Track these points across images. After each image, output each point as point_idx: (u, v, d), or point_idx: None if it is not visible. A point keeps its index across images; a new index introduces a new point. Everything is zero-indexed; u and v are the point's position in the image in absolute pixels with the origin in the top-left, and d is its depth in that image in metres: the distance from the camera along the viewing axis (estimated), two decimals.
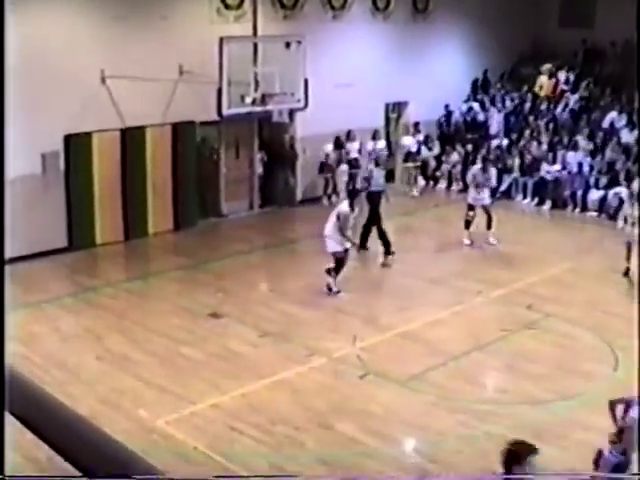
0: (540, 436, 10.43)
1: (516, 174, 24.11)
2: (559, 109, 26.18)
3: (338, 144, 22.85)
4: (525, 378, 12.07)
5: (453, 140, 25.77)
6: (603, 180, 22.75)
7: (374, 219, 18.16)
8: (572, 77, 27.01)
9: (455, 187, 24.68)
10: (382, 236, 17.93)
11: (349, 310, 14.98)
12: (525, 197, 23.80)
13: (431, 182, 24.98)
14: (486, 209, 19.15)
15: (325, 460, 10.03)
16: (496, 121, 26.31)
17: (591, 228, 21.11)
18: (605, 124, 24.91)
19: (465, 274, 17.01)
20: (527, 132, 25.41)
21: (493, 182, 20.19)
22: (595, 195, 22.55)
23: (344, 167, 22.95)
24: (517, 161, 24.41)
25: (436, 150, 25.30)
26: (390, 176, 24.93)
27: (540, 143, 24.69)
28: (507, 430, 10.58)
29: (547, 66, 26.90)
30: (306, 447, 10.36)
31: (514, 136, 25.59)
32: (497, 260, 18.02)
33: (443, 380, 12.24)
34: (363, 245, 18.10)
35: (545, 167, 23.63)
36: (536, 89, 26.96)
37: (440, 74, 25.48)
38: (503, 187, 23.96)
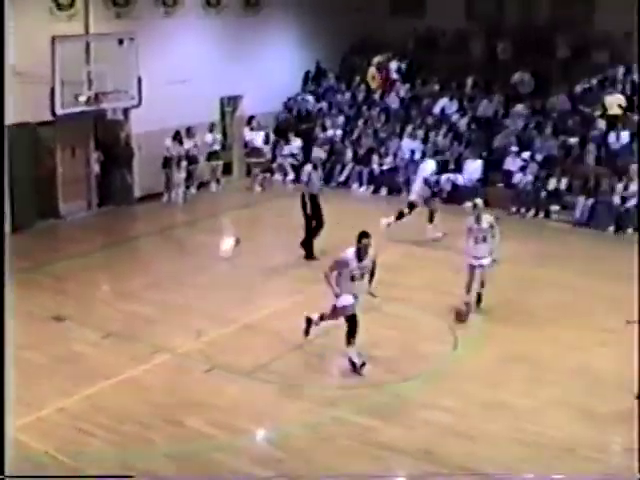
0: (385, 417, 10.81)
1: (351, 164, 24.61)
2: (391, 98, 26.77)
3: (177, 139, 22.77)
4: (369, 362, 12.33)
5: (287, 132, 26.01)
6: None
7: (319, 223, 17.84)
8: (403, 66, 27.63)
9: (290, 178, 24.98)
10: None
11: (193, 306, 14.99)
12: (361, 185, 24.31)
13: (268, 174, 25.13)
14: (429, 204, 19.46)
15: (175, 456, 10.07)
16: (329, 113, 26.77)
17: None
18: (436, 110, 25.67)
19: (304, 263, 17.25)
20: (360, 122, 25.93)
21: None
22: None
23: (184, 163, 22.91)
24: (351, 152, 24.90)
25: (271, 143, 25.51)
26: (227, 169, 25.11)
27: (375, 132, 25.26)
28: (352, 414, 10.90)
29: (377, 59, 27.39)
30: (155, 444, 10.36)
31: (349, 127, 26.08)
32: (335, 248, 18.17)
33: (288, 369, 12.41)
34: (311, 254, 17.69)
35: (376, 160, 24.20)
36: (368, 80, 27.50)
37: (273, 67, 25.72)
38: (342, 177, 24.47)
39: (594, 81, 24.83)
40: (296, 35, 26.86)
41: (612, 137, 22.95)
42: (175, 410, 11.18)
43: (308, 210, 17.62)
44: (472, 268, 14.54)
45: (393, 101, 26.68)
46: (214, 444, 10.33)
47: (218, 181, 24.25)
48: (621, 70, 24.82)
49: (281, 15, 26.06)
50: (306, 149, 24.95)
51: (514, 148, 23.05)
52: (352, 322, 12.10)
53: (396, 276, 15.87)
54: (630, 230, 20.35)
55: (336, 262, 12.18)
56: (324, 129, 25.98)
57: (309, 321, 12.93)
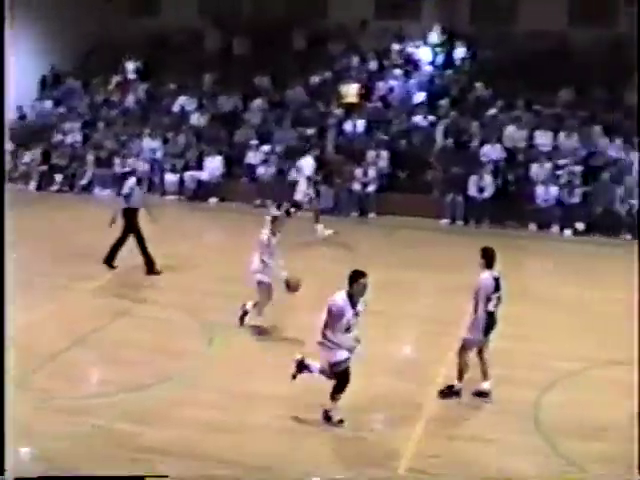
0: (145, 421, 10.66)
1: (93, 168, 24.15)
2: (129, 99, 26.47)
3: None
4: (125, 366, 12.12)
5: (26, 140, 25.16)
6: (178, 164, 23.44)
7: (130, 235, 16.69)
8: (141, 66, 27.37)
9: (33, 186, 24.24)
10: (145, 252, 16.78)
11: None
12: (104, 189, 23.79)
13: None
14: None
15: None
16: (68, 117, 26.16)
17: (174, 211, 21.58)
18: (175, 109, 25.62)
19: (62, 271, 16.74)
20: (101, 125, 25.47)
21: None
22: (173, 178, 23.18)
23: None
24: (93, 156, 24.40)
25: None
26: None
27: (116, 135, 24.90)
28: (114, 420, 10.66)
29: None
30: None
31: (89, 130, 25.58)
32: (90, 254, 17.72)
33: (44, 382, 12.00)
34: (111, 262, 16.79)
35: (118, 162, 23.89)
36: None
37: (5, 76, 24.73)
38: (84, 181, 23.97)
39: (329, 74, 25.58)
40: (29, 40, 25.93)
41: (349, 125, 23.72)
42: None
43: (127, 223, 16.61)
44: (262, 284, 13.59)
45: (131, 102, 26.40)
46: None
47: None
48: (356, 59, 25.73)
49: (7, 23, 25.08)
50: (46, 156, 24.29)
51: (254, 142, 23.38)
52: (343, 377, 10.58)
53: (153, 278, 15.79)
54: (373, 214, 21.18)
55: (331, 316, 10.30)
56: (64, 134, 25.34)
57: (301, 366, 11.09)
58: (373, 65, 26.03)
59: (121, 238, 16.64)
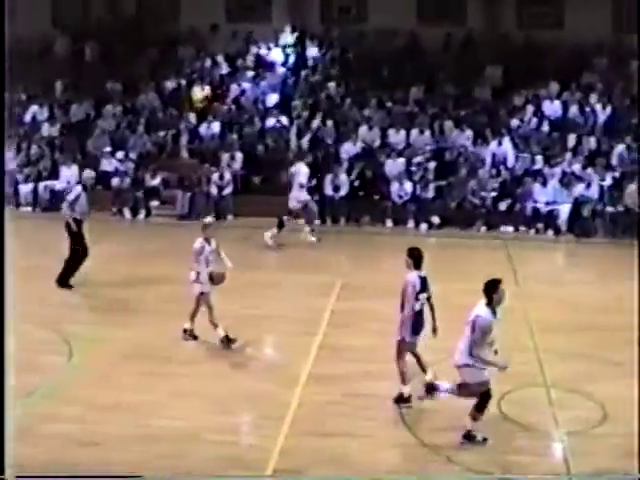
0: (8, 437, 10.29)
1: None
2: None
3: None
4: None
5: None
6: (32, 174, 22.87)
7: (83, 251, 15.89)
8: None
9: None
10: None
11: None
12: None
13: None
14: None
15: None
16: None
17: (29, 223, 20.99)
18: (27, 119, 24.95)
19: None
20: None
21: None
22: (26, 189, 22.58)
23: None
24: None
25: None
26: None
27: None
28: None
29: None
30: None
31: None
32: None
33: None
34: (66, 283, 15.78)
35: None
36: None
37: None
38: None
39: (181, 78, 25.39)
40: None
41: (203, 129, 23.59)
42: None
43: (74, 233, 15.89)
44: (203, 295, 13.11)
45: None
46: None
47: None
48: (208, 62, 25.62)
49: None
50: None
51: (108, 149, 22.98)
52: (487, 396, 10.09)
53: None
54: (230, 217, 21.13)
55: (479, 333, 9.84)
56: None
57: (431, 389, 10.76)
58: (225, 68, 25.94)
59: (73, 254, 15.89)
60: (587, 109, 24.15)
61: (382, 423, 10.64)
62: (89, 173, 17.19)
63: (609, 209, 21.02)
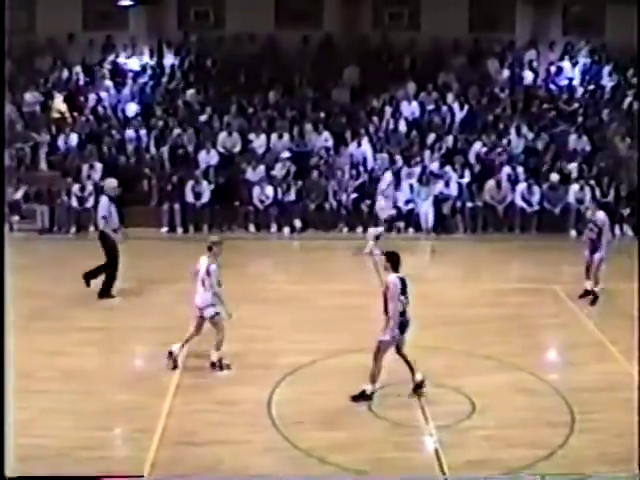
0: None
1: None
2: None
3: None
4: None
5: None
6: None
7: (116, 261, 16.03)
8: None
9: None
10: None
11: None
12: None
13: None
14: None
15: None
16: None
17: None
18: None
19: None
20: None
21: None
22: None
23: None
24: None
25: None
26: None
27: None
28: None
29: None
30: None
31: None
32: None
33: None
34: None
35: None
36: None
37: None
38: None
39: (41, 92, 24.83)
40: None
41: (62, 140, 23.11)
42: None
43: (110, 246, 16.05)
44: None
45: None
46: None
47: None
48: (66, 73, 25.14)
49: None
50: None
51: None
52: None
53: None
54: (92, 229, 20.66)
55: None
56: None
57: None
58: (82, 78, 25.49)
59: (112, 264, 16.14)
60: (444, 108, 24.69)
61: (254, 428, 10.64)
62: (112, 182, 16.88)
63: (469, 205, 21.55)
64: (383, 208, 20.74)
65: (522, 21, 27.62)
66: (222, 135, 23.15)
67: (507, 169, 22.37)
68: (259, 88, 24.86)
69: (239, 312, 12.26)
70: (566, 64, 26.98)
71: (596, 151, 23.59)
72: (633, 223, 21.49)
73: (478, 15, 27.28)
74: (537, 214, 21.66)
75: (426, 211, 21.25)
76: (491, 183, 21.81)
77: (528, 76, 26.51)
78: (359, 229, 21.19)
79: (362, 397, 11.44)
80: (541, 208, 21.67)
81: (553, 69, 26.78)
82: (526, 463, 9.82)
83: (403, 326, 11.51)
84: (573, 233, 21.00)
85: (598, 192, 21.83)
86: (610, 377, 12.39)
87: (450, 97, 24.99)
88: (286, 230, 21.33)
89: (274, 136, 23.22)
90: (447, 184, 21.80)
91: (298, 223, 21.41)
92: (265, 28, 26.37)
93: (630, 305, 14.67)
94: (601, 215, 15.68)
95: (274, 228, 21.42)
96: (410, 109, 24.67)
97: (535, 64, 26.84)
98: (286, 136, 23.21)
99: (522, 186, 21.76)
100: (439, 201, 21.52)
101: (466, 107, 24.69)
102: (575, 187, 21.70)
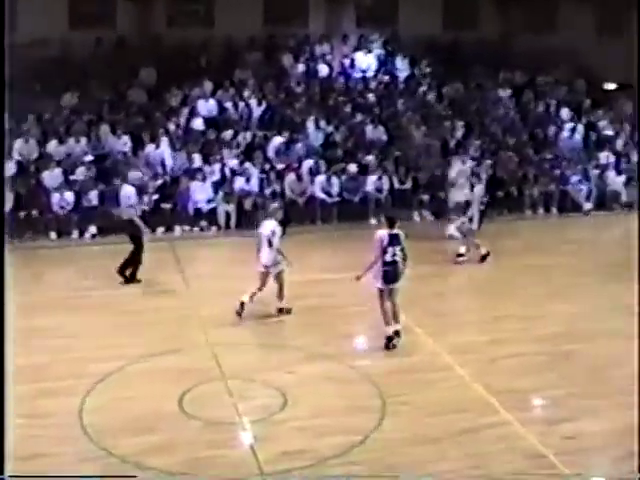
0: None
1: None
2: None
3: None
4: None
5: None
6: None
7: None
8: None
9: None
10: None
11: None
12: None
13: None
14: None
15: None
16: None
17: None
18: None
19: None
20: None
21: None
22: None
23: None
24: None
25: None
26: None
27: None
28: None
29: None
30: None
31: None
32: None
33: None
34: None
35: None
36: None
37: None
38: None
39: None
40: None
41: None
42: None
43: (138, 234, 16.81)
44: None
45: None
46: None
47: None
48: None
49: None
50: None
51: None
52: None
53: None
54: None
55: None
56: None
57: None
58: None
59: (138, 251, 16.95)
60: (241, 105, 24.81)
61: (65, 440, 10.38)
62: (136, 174, 17.84)
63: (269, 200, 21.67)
64: None
65: (315, 15, 28.10)
66: (18, 142, 22.33)
67: (307, 162, 22.71)
68: (54, 93, 24.18)
69: (44, 323, 11.96)
70: (360, 56, 27.67)
71: (393, 140, 24.30)
72: (433, 209, 22.33)
73: (272, 10, 27.55)
74: (337, 205, 22.14)
75: (227, 209, 21.25)
76: (292, 177, 22.09)
77: (323, 69, 27.02)
78: (160, 229, 20.84)
79: (389, 340, 13.08)
80: (341, 199, 22.16)
81: (347, 62, 27.40)
82: (342, 450, 10.06)
83: (387, 276, 12.82)
84: (373, 221, 21.53)
85: (396, 180, 22.55)
86: (417, 359, 12.90)
87: (247, 93, 25.13)
88: (87, 235, 20.75)
89: (71, 140, 22.62)
90: (248, 180, 21.90)
91: (94, 229, 20.74)
92: (58, 31, 25.62)
93: (435, 288, 15.35)
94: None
95: (76, 234, 20.83)
96: (207, 107, 24.64)
97: (329, 57, 27.38)
98: (83, 140, 22.66)
99: (321, 178, 22.16)
100: (240, 197, 21.56)
101: (264, 103, 24.88)
102: (373, 177, 22.31)
